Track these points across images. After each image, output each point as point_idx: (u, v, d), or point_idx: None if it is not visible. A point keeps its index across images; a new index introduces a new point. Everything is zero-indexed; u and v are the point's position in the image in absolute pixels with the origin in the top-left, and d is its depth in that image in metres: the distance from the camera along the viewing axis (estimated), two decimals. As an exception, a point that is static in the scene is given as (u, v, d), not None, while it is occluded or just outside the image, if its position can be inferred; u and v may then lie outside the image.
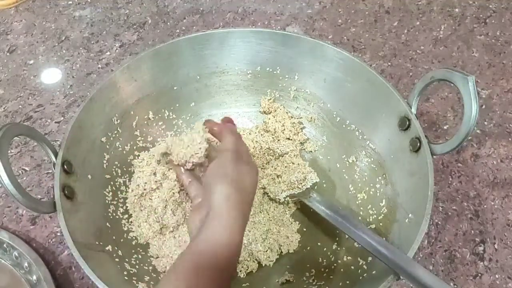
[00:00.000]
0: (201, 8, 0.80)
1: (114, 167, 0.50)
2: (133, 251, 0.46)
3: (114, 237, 0.45)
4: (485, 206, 0.54)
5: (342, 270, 0.45)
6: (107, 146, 0.50)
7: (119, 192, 0.49)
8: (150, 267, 0.46)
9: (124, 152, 0.52)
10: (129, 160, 0.52)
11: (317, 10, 0.79)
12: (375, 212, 0.48)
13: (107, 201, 0.48)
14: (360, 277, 0.43)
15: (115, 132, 0.51)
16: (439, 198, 0.54)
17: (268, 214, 0.51)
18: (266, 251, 0.48)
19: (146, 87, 0.53)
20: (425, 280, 0.35)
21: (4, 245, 0.48)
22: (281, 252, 0.49)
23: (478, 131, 0.61)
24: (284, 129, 0.57)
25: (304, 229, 0.51)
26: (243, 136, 0.56)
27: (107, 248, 0.43)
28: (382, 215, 0.47)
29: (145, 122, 0.55)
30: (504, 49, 0.72)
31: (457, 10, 0.79)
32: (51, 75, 0.69)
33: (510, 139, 0.60)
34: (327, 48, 0.52)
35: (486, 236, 0.52)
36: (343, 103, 0.54)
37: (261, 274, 0.47)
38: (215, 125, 0.42)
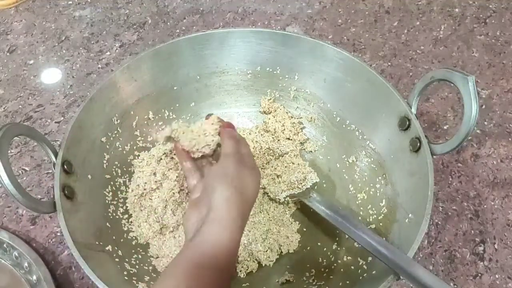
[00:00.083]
0: (201, 8, 0.80)
1: (114, 167, 0.50)
2: (133, 251, 0.46)
3: (114, 237, 0.45)
4: (485, 206, 0.54)
5: (342, 270, 0.45)
6: (107, 146, 0.50)
7: (119, 192, 0.49)
8: (150, 267, 0.46)
9: (124, 152, 0.52)
10: (129, 160, 0.52)
11: (317, 10, 0.79)
12: (375, 212, 0.48)
13: (107, 201, 0.48)
14: (360, 277, 0.43)
15: (115, 132, 0.51)
16: (439, 198, 0.54)
17: (268, 214, 0.51)
18: (266, 251, 0.48)
19: (146, 87, 0.53)
20: (425, 280, 0.35)
21: (4, 245, 0.48)
22: (281, 252, 0.49)
23: (478, 131, 0.61)
24: (284, 129, 0.57)
25: (304, 229, 0.51)
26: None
27: (107, 248, 0.43)
28: (382, 215, 0.47)
29: (145, 122, 0.55)
30: (504, 49, 0.72)
31: (457, 10, 0.79)
32: (51, 75, 0.69)
33: (510, 139, 0.60)
34: (327, 48, 0.52)
35: (486, 236, 0.52)
36: (343, 103, 0.54)
37: (261, 274, 0.47)
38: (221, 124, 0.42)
